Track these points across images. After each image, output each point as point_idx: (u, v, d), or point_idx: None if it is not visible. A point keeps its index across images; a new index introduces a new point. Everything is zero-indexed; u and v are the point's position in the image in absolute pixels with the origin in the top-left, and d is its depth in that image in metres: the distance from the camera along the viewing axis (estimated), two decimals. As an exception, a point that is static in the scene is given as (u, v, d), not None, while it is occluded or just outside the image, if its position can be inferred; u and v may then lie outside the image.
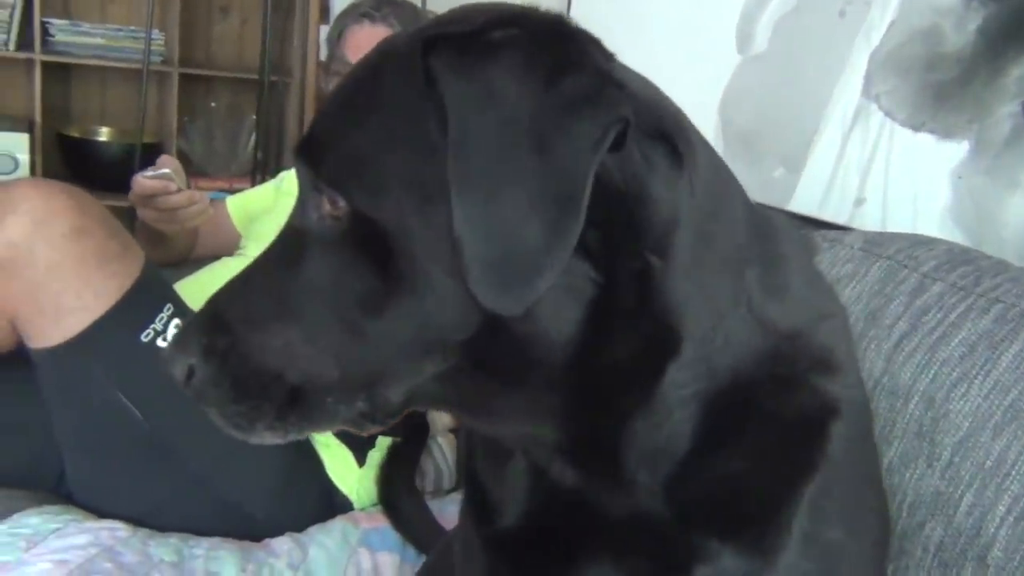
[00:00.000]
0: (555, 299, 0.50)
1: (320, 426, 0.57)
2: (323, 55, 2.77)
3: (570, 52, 0.49)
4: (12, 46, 2.74)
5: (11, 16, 2.73)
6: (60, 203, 1.09)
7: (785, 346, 0.57)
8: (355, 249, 0.52)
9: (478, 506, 0.66)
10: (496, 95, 0.47)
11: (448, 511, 1.27)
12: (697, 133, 0.57)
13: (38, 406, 1.15)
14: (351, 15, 1.66)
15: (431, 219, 0.49)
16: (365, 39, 1.58)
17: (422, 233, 0.50)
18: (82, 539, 1.04)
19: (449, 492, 1.41)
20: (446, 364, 0.53)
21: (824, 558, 0.57)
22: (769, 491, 0.56)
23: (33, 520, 1.06)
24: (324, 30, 2.76)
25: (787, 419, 0.57)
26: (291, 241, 0.56)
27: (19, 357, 1.14)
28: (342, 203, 0.52)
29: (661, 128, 0.52)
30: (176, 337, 0.57)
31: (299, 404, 0.54)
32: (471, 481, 0.67)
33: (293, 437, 0.56)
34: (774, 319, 0.57)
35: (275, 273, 0.56)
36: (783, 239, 0.61)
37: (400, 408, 0.56)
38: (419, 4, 1.92)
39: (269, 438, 0.56)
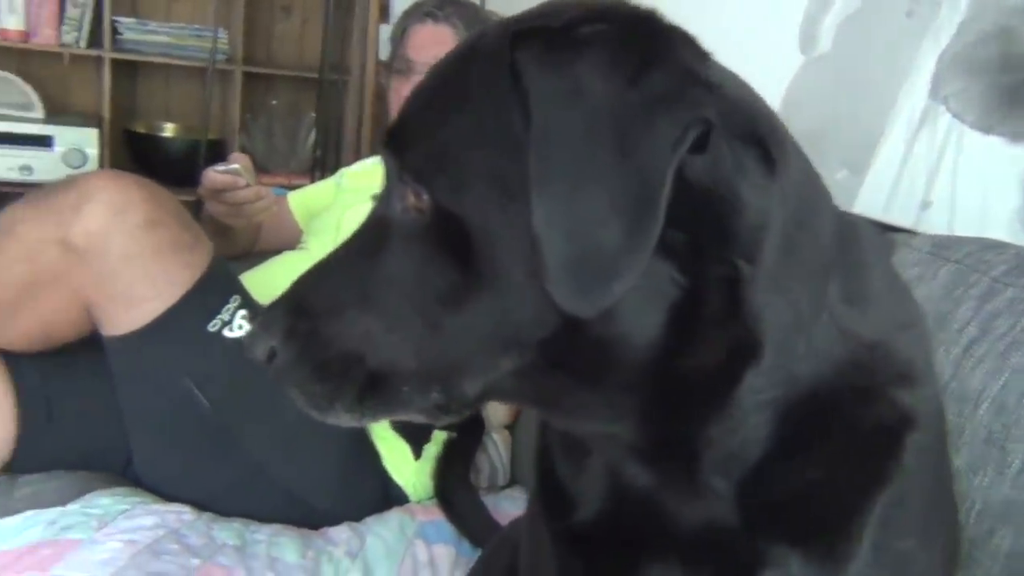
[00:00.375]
0: (637, 301, 0.50)
1: (396, 413, 0.57)
2: (382, 54, 2.81)
3: (657, 49, 0.48)
4: (83, 44, 2.83)
5: (82, 15, 2.81)
6: (136, 194, 1.12)
7: (865, 356, 0.56)
8: (436, 243, 0.52)
9: (552, 500, 0.66)
10: (581, 91, 0.47)
11: (502, 507, 1.28)
12: (790, 137, 0.56)
13: (109, 392, 1.19)
14: (414, 14, 1.67)
15: (512, 217, 0.49)
16: (428, 38, 1.60)
17: (503, 231, 0.50)
18: (150, 520, 1.07)
19: (503, 488, 1.41)
20: (523, 361, 0.53)
21: (895, 568, 0.57)
22: (841, 500, 0.56)
23: (104, 501, 1.10)
24: (384, 29, 2.80)
25: (863, 430, 0.56)
26: (375, 230, 0.56)
27: (91, 344, 1.18)
28: (425, 196, 0.52)
29: (754, 132, 0.52)
30: (260, 319, 0.58)
31: (377, 389, 0.55)
32: (546, 476, 0.67)
33: (369, 421, 0.57)
34: (855, 329, 0.56)
35: (358, 261, 0.57)
36: (867, 247, 0.60)
37: (475, 401, 0.56)
38: (480, 4, 1.93)
39: (346, 420, 0.56)
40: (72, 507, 1.08)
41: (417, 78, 1.58)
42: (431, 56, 1.56)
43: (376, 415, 0.57)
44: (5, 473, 1.16)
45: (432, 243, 0.52)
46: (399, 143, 0.55)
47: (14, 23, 2.72)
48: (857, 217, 0.64)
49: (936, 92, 1.16)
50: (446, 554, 1.17)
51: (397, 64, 1.66)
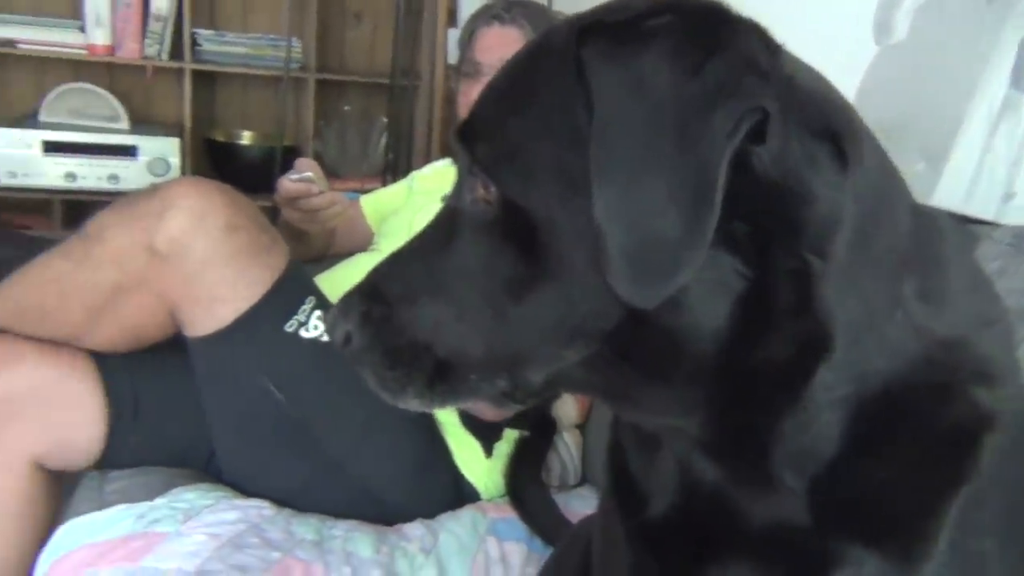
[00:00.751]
0: (702, 293, 0.50)
1: (464, 399, 0.59)
2: (451, 58, 2.83)
3: (721, 40, 0.48)
4: (165, 56, 2.93)
5: (164, 28, 2.91)
6: (216, 200, 1.16)
7: (942, 354, 0.55)
8: (503, 234, 0.54)
9: (624, 496, 0.66)
10: (643, 83, 0.47)
11: (573, 505, 1.29)
12: (867, 131, 0.56)
13: (192, 391, 1.23)
14: (482, 17, 1.69)
15: (576, 209, 0.50)
16: (495, 40, 1.61)
17: (567, 223, 0.51)
18: (232, 515, 1.11)
19: (574, 487, 1.41)
20: (588, 351, 0.53)
21: (973, 569, 0.56)
22: (916, 500, 0.55)
23: (189, 496, 1.14)
24: (452, 33, 2.82)
25: (939, 429, 0.55)
26: (446, 222, 0.58)
27: (176, 344, 1.23)
28: (493, 188, 0.53)
29: (828, 125, 0.51)
30: (339, 304, 0.60)
31: (445, 377, 0.57)
32: (618, 471, 0.68)
33: (438, 407, 0.59)
34: (932, 326, 0.55)
35: (429, 251, 0.59)
36: (947, 242, 0.59)
37: (541, 390, 0.57)
38: (547, 4, 1.93)
39: (416, 405, 0.58)
40: (159, 501, 1.12)
41: (486, 80, 1.59)
42: (498, 58, 1.58)
43: (445, 401, 0.59)
44: (95, 469, 1.22)
45: (499, 235, 0.54)
46: (470, 137, 0.57)
47: (101, 38, 2.83)
48: (937, 211, 0.62)
49: (1018, 81, 1.12)
50: (518, 551, 1.17)
51: (465, 67, 1.67)
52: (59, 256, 1.22)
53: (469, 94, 1.63)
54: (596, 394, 0.63)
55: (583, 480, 1.43)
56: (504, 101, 0.56)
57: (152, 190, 1.21)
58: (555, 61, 0.53)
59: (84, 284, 1.19)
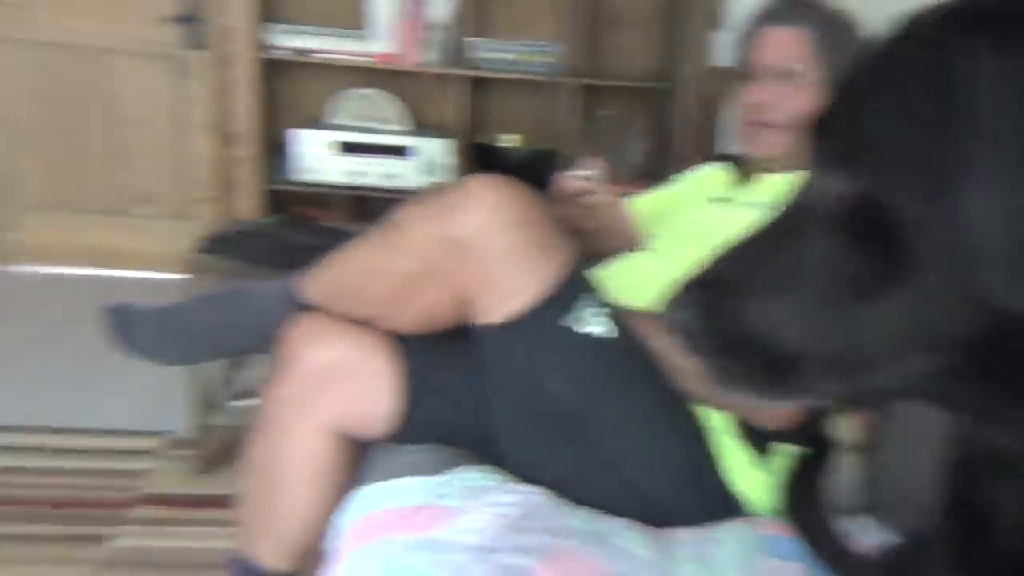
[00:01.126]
0: None
1: (798, 397, 0.57)
2: (713, 62, 2.78)
3: None
4: (441, 63, 3.12)
5: (440, 37, 3.10)
6: (509, 196, 1.22)
7: None
8: (855, 231, 0.52)
9: (966, 524, 0.61)
10: None
11: (854, 534, 1.21)
12: None
13: (476, 376, 1.29)
14: (763, 18, 1.64)
15: (940, 205, 0.47)
16: (775, 41, 1.56)
17: (928, 219, 0.48)
18: (513, 498, 1.14)
19: (855, 514, 1.33)
20: (941, 362, 0.50)
21: None
22: None
23: (474, 475, 1.19)
24: (715, 37, 2.78)
25: None
26: (795, 216, 0.57)
27: (464, 331, 1.29)
28: (848, 184, 0.52)
29: None
30: (679, 292, 0.60)
31: (781, 372, 0.55)
32: (959, 495, 0.63)
33: (770, 403, 0.58)
34: None
35: (773, 246, 0.57)
36: None
37: (882, 398, 0.56)
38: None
39: (746, 398, 0.58)
40: (447, 477, 1.18)
41: (772, 82, 1.55)
42: (779, 59, 1.53)
43: (776, 395, 0.57)
44: (389, 442, 1.30)
45: (851, 232, 0.52)
46: (824, 131, 0.55)
47: (383, 46, 3.07)
48: None
49: None
50: (793, 571, 1.12)
51: (744, 69, 1.63)
52: (365, 245, 1.34)
53: (748, 96, 1.59)
54: (948, 408, 0.58)
55: (867, 508, 1.34)
56: (864, 94, 0.54)
57: (450, 186, 1.28)
58: (925, 53, 0.50)
59: (386, 271, 1.29)
